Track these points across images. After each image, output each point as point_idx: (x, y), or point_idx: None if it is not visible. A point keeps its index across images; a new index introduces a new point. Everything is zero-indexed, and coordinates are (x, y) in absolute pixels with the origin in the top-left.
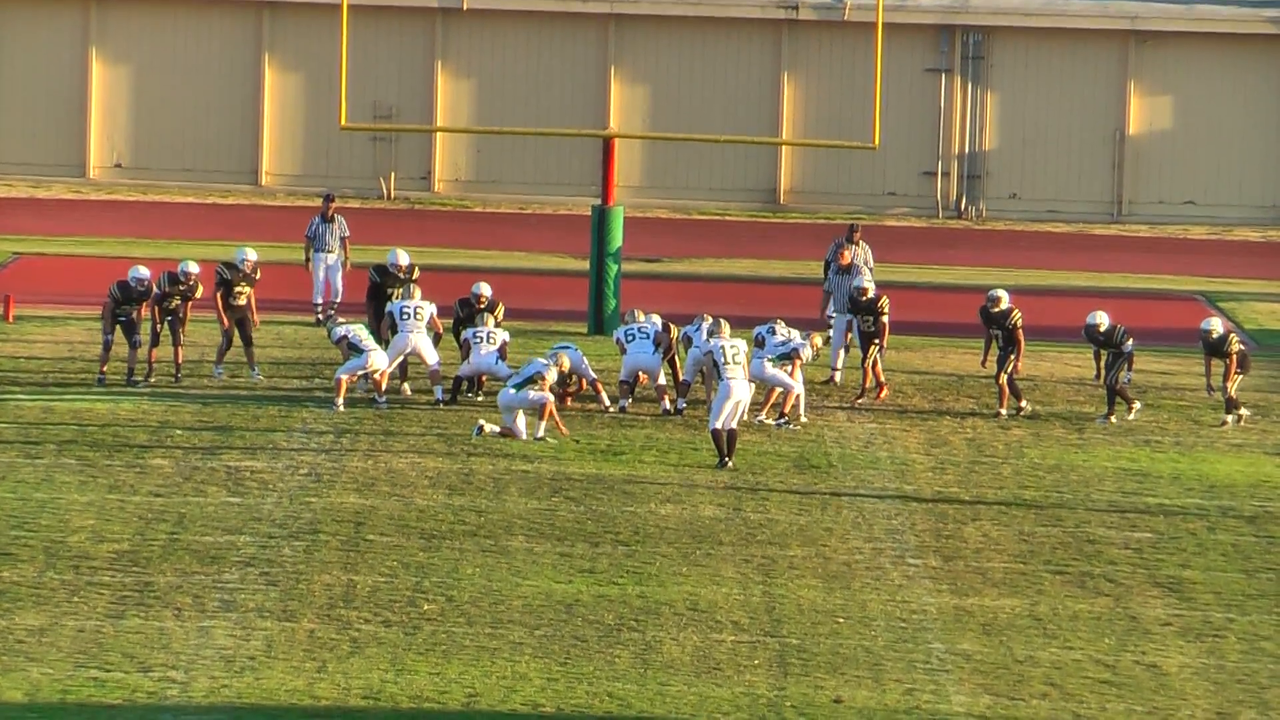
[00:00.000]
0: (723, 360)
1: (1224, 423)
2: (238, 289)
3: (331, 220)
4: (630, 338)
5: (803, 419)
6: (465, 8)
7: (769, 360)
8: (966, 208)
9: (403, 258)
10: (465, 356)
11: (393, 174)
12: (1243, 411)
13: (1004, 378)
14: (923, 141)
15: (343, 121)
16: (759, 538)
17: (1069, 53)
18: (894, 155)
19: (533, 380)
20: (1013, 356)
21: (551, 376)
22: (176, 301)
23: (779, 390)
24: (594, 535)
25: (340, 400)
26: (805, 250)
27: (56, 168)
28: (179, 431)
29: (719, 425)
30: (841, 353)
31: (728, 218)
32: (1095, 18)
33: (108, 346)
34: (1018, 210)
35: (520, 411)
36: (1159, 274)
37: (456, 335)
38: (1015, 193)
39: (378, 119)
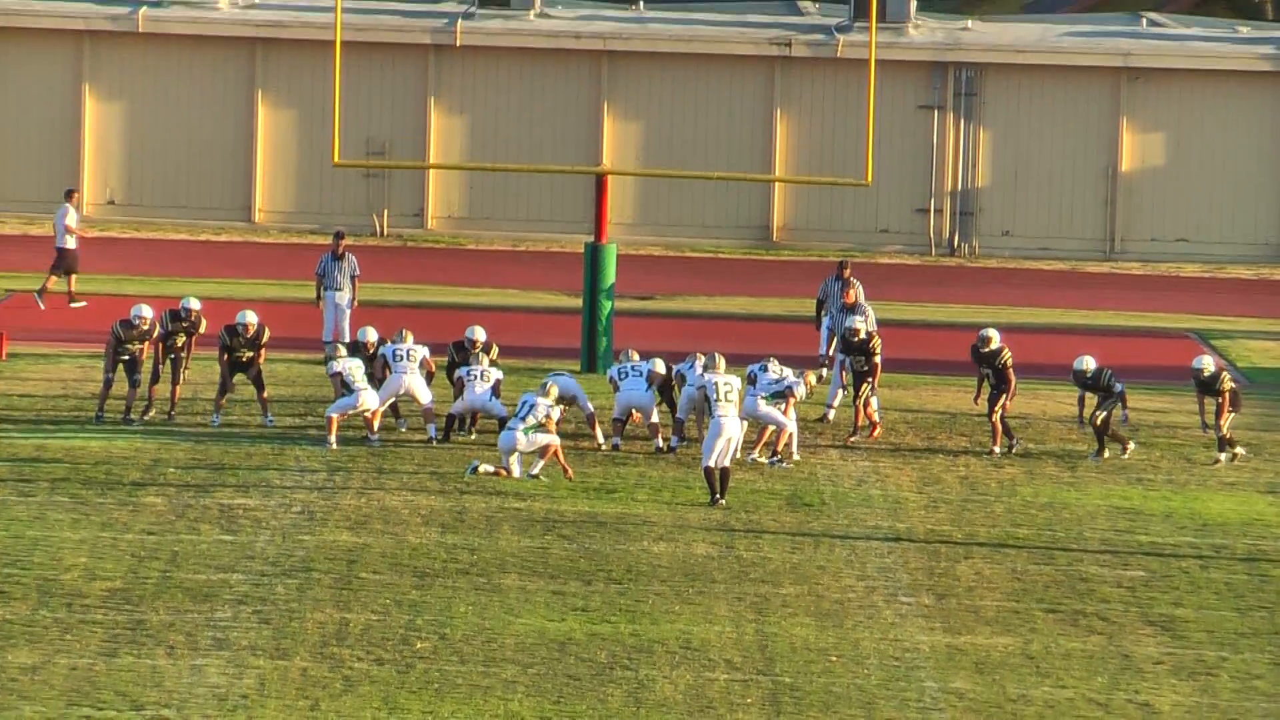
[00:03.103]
0: (715, 397)
1: (1216, 461)
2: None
3: (341, 258)
4: (623, 375)
5: (795, 457)
6: (458, 44)
7: (762, 398)
8: (959, 245)
9: (479, 333)
10: (459, 395)
11: (386, 211)
12: (1238, 450)
13: (996, 416)
14: (916, 178)
15: (336, 158)
16: (752, 576)
17: (1062, 89)
18: (887, 192)
19: (537, 423)
20: (1004, 395)
21: (554, 413)
22: (181, 339)
23: (771, 428)
24: (587, 573)
25: (333, 438)
26: (798, 288)
27: (49, 204)
28: (172, 469)
29: (711, 463)
30: (840, 392)
31: (721, 255)
32: (1088, 54)
33: (108, 385)
34: (1010, 247)
35: (519, 453)
36: (1152, 311)
37: (450, 376)
38: (1008, 230)
39: (370, 155)
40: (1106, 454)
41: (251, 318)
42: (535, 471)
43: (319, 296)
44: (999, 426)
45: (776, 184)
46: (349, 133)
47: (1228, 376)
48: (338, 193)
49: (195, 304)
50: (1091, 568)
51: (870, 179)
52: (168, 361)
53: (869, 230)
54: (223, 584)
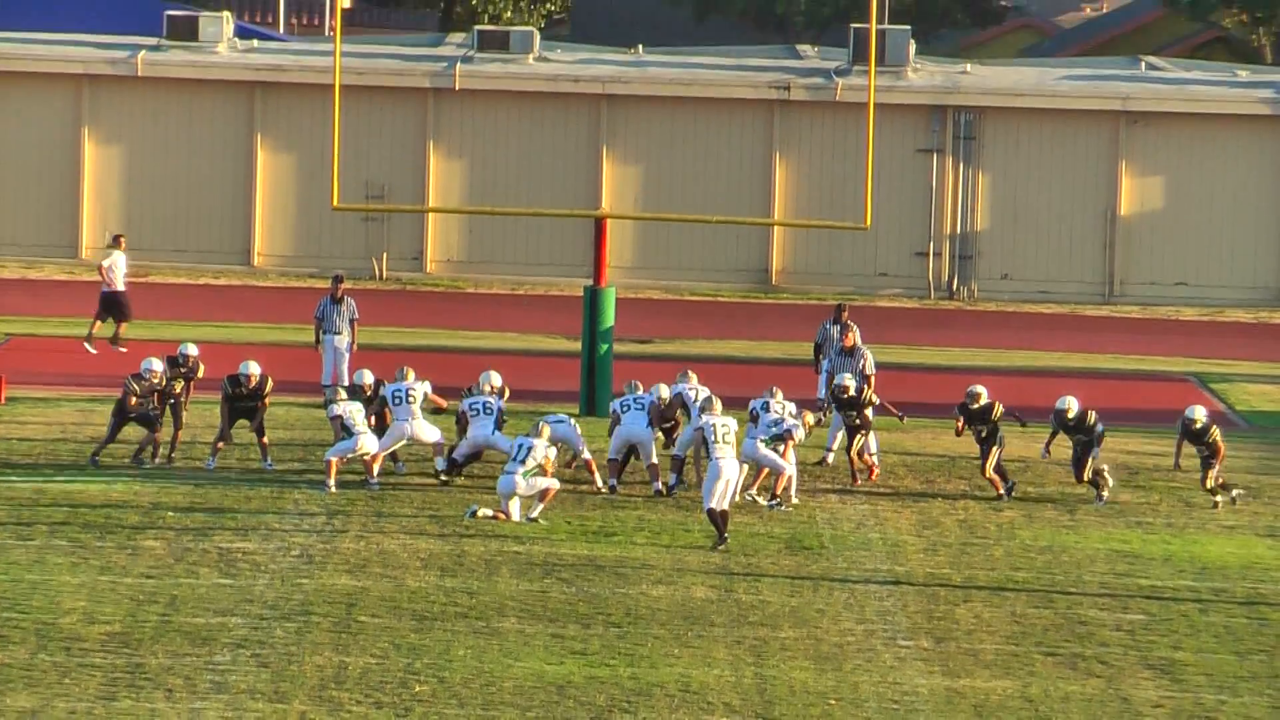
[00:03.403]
0: (713, 439)
1: (1216, 505)
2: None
3: (340, 301)
4: (625, 408)
5: (794, 500)
6: (457, 88)
7: (761, 440)
8: (958, 288)
9: (495, 378)
10: (462, 431)
11: (385, 254)
12: (1236, 492)
13: (990, 470)
14: (914, 222)
15: (335, 202)
16: (751, 619)
17: (1060, 133)
18: (886, 236)
19: (536, 465)
20: (995, 449)
21: (551, 454)
22: (179, 385)
23: (769, 470)
24: (586, 617)
25: (331, 481)
26: (797, 331)
27: (49, 248)
28: (171, 513)
29: (714, 505)
30: (840, 434)
31: (720, 298)
32: (1087, 98)
33: (112, 437)
34: (1010, 291)
35: (518, 497)
36: (1151, 355)
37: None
38: (1007, 273)
39: (370, 199)
40: (1106, 493)
41: (254, 369)
42: (534, 515)
43: (318, 340)
44: (996, 479)
45: (775, 227)
46: (348, 176)
47: (1218, 430)
48: (337, 236)
49: (193, 350)
50: (1091, 611)
51: (869, 222)
52: (166, 408)
53: (868, 273)
54: (221, 628)
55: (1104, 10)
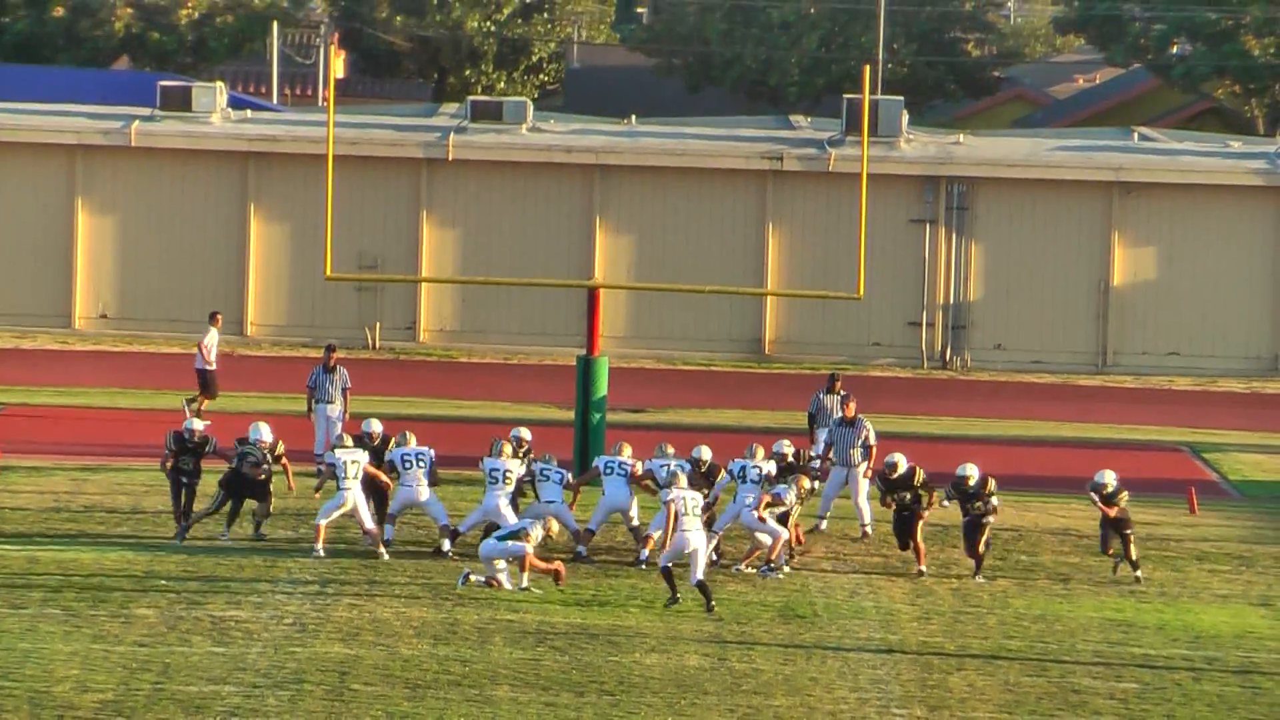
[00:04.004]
0: (683, 511)
1: (1113, 567)
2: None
3: (333, 370)
4: (609, 470)
5: (786, 569)
6: (451, 158)
7: (753, 509)
8: (951, 358)
9: (507, 448)
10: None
11: (378, 324)
12: (1139, 574)
13: (981, 548)
14: (907, 292)
15: (328, 272)
16: (744, 688)
17: (1053, 203)
18: (879, 306)
19: (516, 534)
20: (985, 530)
21: (536, 535)
22: (191, 463)
23: (764, 537)
24: (579, 685)
25: (320, 546)
26: (790, 400)
27: (42, 318)
28: (164, 581)
29: (670, 564)
30: (829, 504)
31: (713, 368)
32: (1079, 168)
33: (217, 510)
34: (1003, 361)
35: (503, 561)
36: (1144, 425)
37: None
38: (1000, 343)
39: (363, 269)
40: (982, 578)
41: (199, 424)
42: (525, 584)
43: (310, 409)
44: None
45: (768, 297)
46: (341, 246)
47: (1126, 495)
48: (330, 306)
49: (199, 424)
50: (1084, 680)
51: (862, 292)
52: (181, 485)
53: (861, 343)
54: (214, 696)
55: (1097, 81)
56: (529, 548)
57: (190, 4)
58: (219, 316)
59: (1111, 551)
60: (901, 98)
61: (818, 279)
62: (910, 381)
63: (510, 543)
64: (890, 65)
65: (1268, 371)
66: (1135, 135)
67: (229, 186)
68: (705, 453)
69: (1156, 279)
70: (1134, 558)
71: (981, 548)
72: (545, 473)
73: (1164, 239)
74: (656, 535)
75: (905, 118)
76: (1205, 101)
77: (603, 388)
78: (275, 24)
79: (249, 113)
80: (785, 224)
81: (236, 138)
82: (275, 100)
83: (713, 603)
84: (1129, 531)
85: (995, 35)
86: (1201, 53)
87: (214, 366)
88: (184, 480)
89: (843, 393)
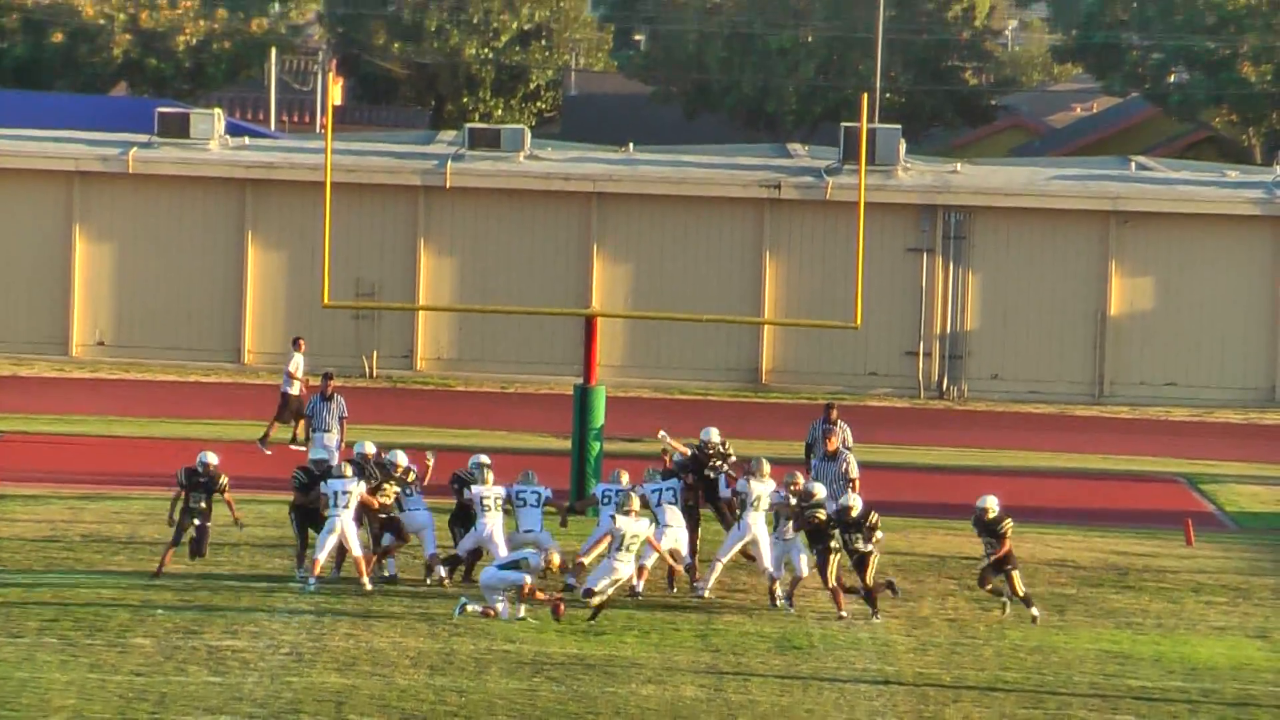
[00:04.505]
0: (619, 545)
1: (1034, 619)
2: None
3: (330, 399)
4: (606, 499)
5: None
6: (448, 186)
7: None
8: (948, 388)
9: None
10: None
11: (375, 352)
12: (1035, 611)
13: (1010, 580)
14: (904, 321)
15: (325, 300)
16: (740, 718)
17: (1050, 233)
18: (876, 335)
19: (516, 564)
20: (1009, 565)
21: (536, 565)
22: (203, 500)
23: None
24: (576, 716)
25: (313, 578)
26: (787, 430)
27: (39, 345)
28: (160, 611)
29: (596, 588)
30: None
31: (710, 397)
32: (1077, 198)
33: (177, 541)
34: (999, 390)
35: (501, 591)
36: (1140, 455)
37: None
38: (997, 373)
39: (360, 297)
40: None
41: (213, 458)
42: (522, 614)
43: (307, 438)
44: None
45: (765, 326)
46: (339, 274)
47: (1010, 522)
48: (327, 334)
49: (213, 458)
50: (1080, 712)
51: (859, 322)
52: (191, 524)
53: (858, 373)
54: None
55: (1094, 110)
56: (529, 578)
57: (188, 30)
58: (302, 342)
59: (989, 588)
60: (899, 126)
61: (815, 308)
62: (907, 411)
63: (510, 572)
64: (888, 93)
65: (1264, 402)
66: (1132, 164)
67: (227, 213)
68: (714, 434)
69: (1153, 309)
70: (1022, 593)
71: (870, 580)
72: (522, 495)
73: (1161, 268)
74: (587, 561)
75: (902, 146)
76: (1202, 130)
77: (600, 416)
78: (273, 50)
79: (247, 139)
80: (782, 253)
81: (234, 164)
82: (273, 127)
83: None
84: (1011, 568)
85: (993, 64)
86: (1199, 81)
87: (297, 391)
88: (194, 521)
89: (833, 424)
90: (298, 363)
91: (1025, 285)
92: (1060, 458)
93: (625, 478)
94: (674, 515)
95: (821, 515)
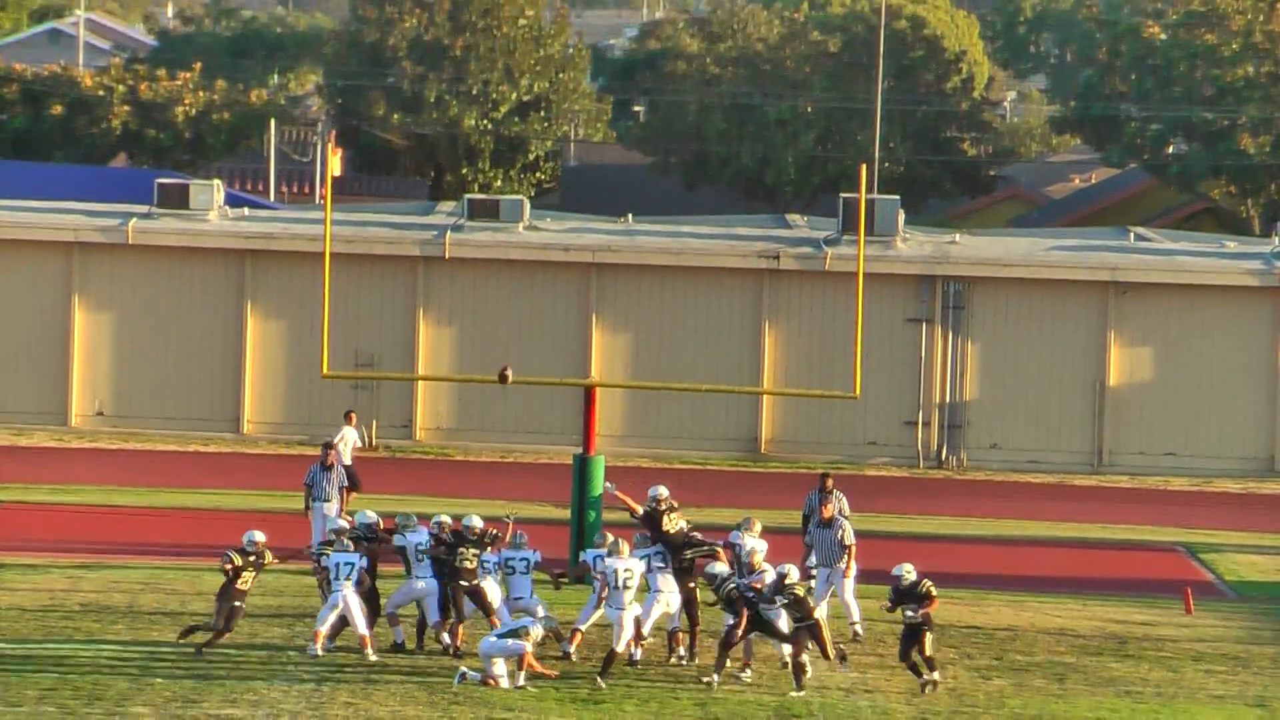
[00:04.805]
0: (615, 586)
1: (933, 685)
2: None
3: (330, 468)
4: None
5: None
6: (447, 256)
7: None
8: (948, 457)
9: (477, 521)
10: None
11: (374, 422)
12: (935, 676)
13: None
14: (904, 391)
15: (325, 370)
16: None
17: (1049, 303)
18: (875, 405)
19: (515, 633)
20: (925, 633)
21: (536, 634)
22: (248, 577)
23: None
24: None
25: (318, 646)
26: (786, 500)
27: (38, 415)
28: (160, 679)
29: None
30: (823, 604)
31: (709, 466)
32: (1076, 268)
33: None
34: (999, 460)
35: (501, 659)
36: (1140, 525)
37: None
38: (996, 442)
39: (359, 366)
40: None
41: (259, 536)
42: (521, 682)
43: (307, 507)
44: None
45: (765, 396)
46: (338, 344)
47: (930, 584)
48: (326, 403)
49: (260, 536)
50: None
51: (859, 391)
52: (228, 604)
53: (857, 442)
54: None
55: (1093, 181)
56: (529, 646)
57: (187, 101)
58: (353, 415)
59: (910, 663)
60: (898, 197)
61: (814, 378)
62: (907, 481)
63: (510, 641)
64: (886, 164)
65: (1263, 472)
66: (1131, 235)
67: (226, 284)
68: (662, 491)
69: (1153, 379)
70: (928, 654)
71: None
72: (511, 563)
73: (1160, 339)
74: (584, 628)
75: (901, 216)
76: (1201, 201)
77: (599, 486)
78: (272, 121)
79: (246, 210)
80: (782, 323)
81: (234, 235)
82: (273, 197)
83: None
84: (927, 629)
85: (991, 134)
86: (1197, 152)
87: (349, 462)
88: (236, 602)
89: (828, 493)
90: (344, 435)
91: (1025, 355)
92: (1060, 527)
93: (626, 549)
94: (666, 581)
95: (731, 586)
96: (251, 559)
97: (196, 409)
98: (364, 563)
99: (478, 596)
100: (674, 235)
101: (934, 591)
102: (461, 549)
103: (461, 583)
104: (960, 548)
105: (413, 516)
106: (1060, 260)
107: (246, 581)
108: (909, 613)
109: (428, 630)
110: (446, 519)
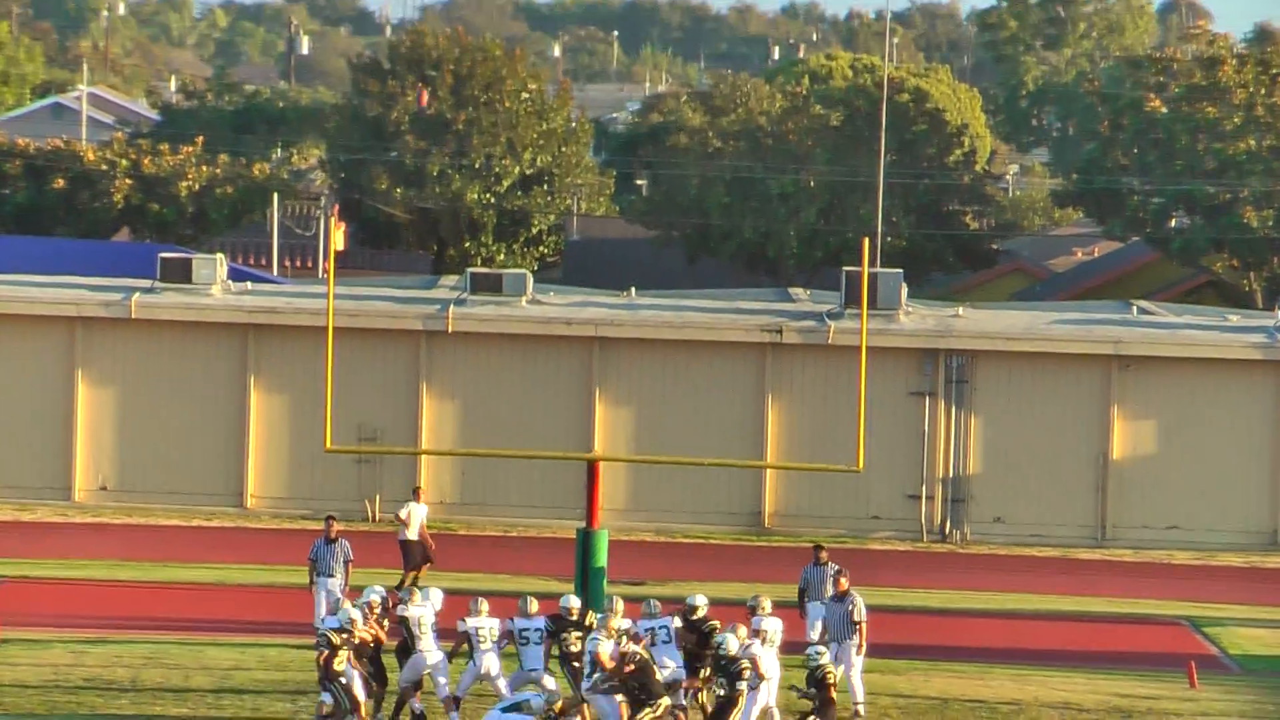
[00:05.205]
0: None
1: None
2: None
3: (334, 542)
4: (524, 640)
5: None
6: (450, 330)
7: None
8: (951, 531)
9: (484, 605)
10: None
11: (378, 496)
12: None
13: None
14: (907, 464)
15: (328, 444)
16: None
17: (1052, 376)
18: (878, 478)
19: (518, 706)
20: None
21: (539, 706)
22: (342, 654)
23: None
24: None
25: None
26: (790, 574)
27: (42, 490)
28: None
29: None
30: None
31: (712, 540)
32: (1078, 342)
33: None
34: (1002, 534)
35: None
36: (1143, 598)
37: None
38: (999, 516)
39: (362, 441)
40: None
41: (354, 612)
42: None
43: (311, 582)
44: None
45: (768, 470)
46: (341, 417)
47: (748, 665)
48: (329, 478)
49: (356, 613)
50: None
51: (862, 465)
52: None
53: (860, 516)
54: None
55: (1095, 255)
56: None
57: (190, 175)
58: (421, 491)
59: None
60: (900, 270)
61: (817, 451)
62: (910, 554)
63: (513, 715)
64: (889, 237)
65: (1267, 546)
66: (1134, 308)
67: (229, 358)
68: (573, 601)
69: (1156, 453)
70: None
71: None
72: (525, 634)
73: (1163, 413)
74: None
75: (904, 290)
76: (1204, 275)
77: (602, 560)
78: (275, 195)
79: (249, 284)
80: (784, 396)
81: (237, 309)
82: (276, 271)
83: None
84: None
85: (994, 208)
86: (1200, 226)
87: (414, 538)
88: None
89: (834, 566)
90: (409, 510)
91: (1027, 429)
92: (1063, 600)
93: (619, 606)
94: (669, 656)
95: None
96: (345, 636)
97: (200, 483)
98: (368, 634)
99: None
100: (677, 309)
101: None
102: (564, 634)
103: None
104: (964, 621)
105: (418, 590)
106: (1063, 334)
107: (343, 661)
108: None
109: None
110: (378, 594)
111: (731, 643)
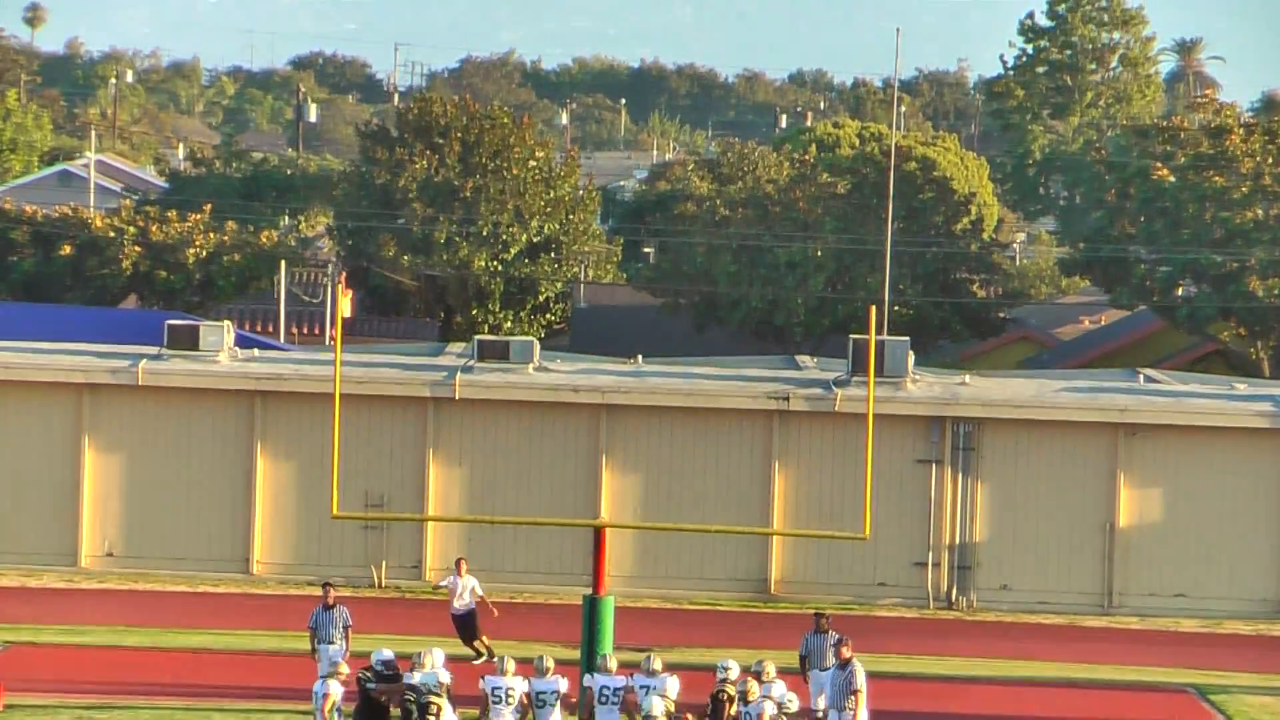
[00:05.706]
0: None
1: None
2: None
3: (332, 608)
4: (603, 699)
5: None
6: (457, 397)
7: None
8: (957, 598)
9: (510, 664)
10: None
11: (384, 562)
12: None
13: None
14: (913, 532)
15: (334, 510)
16: None
17: (1059, 445)
18: (885, 545)
19: None
20: None
21: None
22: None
23: None
24: None
25: None
26: (796, 641)
27: (48, 556)
28: None
29: None
30: None
31: (719, 607)
32: (1085, 410)
33: None
34: (1009, 601)
35: None
36: (1150, 666)
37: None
38: (1006, 583)
39: (369, 508)
40: None
41: (387, 653)
42: None
43: (313, 649)
44: None
45: (774, 537)
46: (348, 484)
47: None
48: (336, 544)
49: (389, 654)
50: None
51: (868, 532)
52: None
53: (867, 583)
54: None
55: (1102, 323)
56: None
57: (198, 243)
58: (463, 563)
59: None
60: (907, 338)
61: (824, 519)
62: (916, 622)
63: None
64: (896, 306)
65: (1274, 614)
66: (1141, 377)
67: (236, 425)
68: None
69: (1162, 520)
70: None
71: None
72: (542, 697)
73: (1170, 481)
74: None
75: (911, 358)
76: (1211, 344)
77: (609, 627)
78: (283, 263)
79: (256, 351)
80: (791, 464)
81: (244, 376)
82: (283, 339)
83: None
84: None
85: (1001, 276)
86: (1206, 295)
87: (462, 610)
88: None
89: (835, 634)
90: (453, 583)
91: (1034, 496)
92: (1070, 668)
93: (613, 660)
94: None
95: None
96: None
97: (206, 550)
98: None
99: None
100: (684, 376)
101: None
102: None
103: None
104: (970, 688)
105: (423, 653)
106: (1070, 402)
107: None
108: None
109: None
110: (388, 655)
111: (754, 686)
